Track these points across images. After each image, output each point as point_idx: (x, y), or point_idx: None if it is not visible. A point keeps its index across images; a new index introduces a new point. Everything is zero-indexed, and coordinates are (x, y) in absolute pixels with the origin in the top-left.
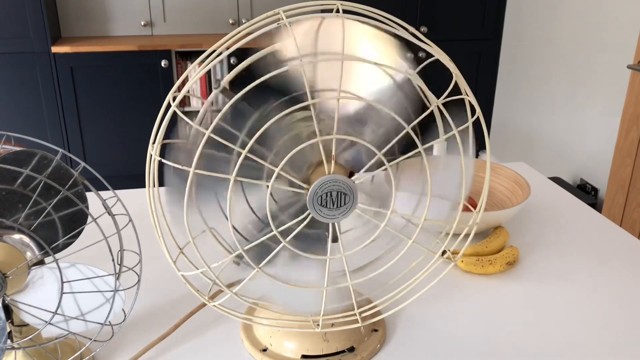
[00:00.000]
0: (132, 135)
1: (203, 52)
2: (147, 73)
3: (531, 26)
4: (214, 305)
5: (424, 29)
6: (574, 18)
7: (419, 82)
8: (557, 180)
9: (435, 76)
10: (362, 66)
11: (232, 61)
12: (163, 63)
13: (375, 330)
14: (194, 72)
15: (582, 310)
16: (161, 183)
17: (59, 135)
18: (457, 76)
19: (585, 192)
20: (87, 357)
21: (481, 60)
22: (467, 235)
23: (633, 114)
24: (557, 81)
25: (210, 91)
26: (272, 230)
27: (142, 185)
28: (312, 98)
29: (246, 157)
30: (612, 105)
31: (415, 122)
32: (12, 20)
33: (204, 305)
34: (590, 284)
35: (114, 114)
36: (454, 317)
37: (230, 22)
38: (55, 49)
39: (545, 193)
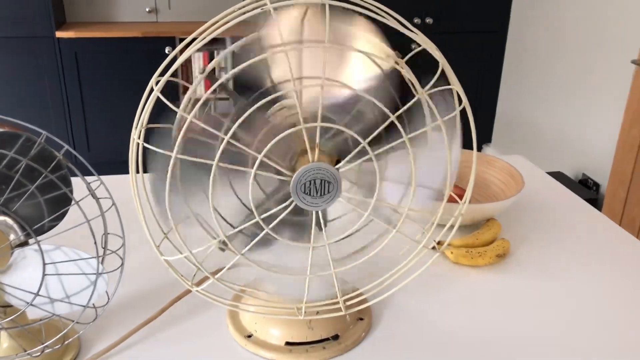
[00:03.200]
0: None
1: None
2: (151, 60)
3: (537, 20)
4: (198, 291)
5: (429, 20)
6: (579, 12)
7: (405, 71)
8: (558, 175)
9: (425, 66)
10: (349, 55)
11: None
12: (167, 50)
13: (361, 319)
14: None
15: (569, 305)
16: (146, 169)
17: (62, 121)
18: (444, 65)
19: (587, 187)
20: (71, 339)
21: (487, 52)
22: (453, 226)
23: (636, 110)
24: (561, 75)
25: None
26: (257, 218)
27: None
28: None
29: (232, 145)
30: (616, 101)
31: (400, 112)
32: (16, 3)
33: (189, 291)
34: (580, 280)
35: (117, 100)
36: (441, 308)
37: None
38: (59, 34)
39: (541, 187)
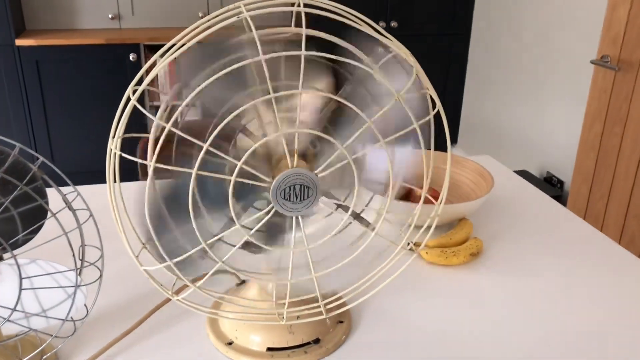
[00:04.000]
0: (100, 130)
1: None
2: (115, 67)
3: (499, 23)
4: (179, 300)
5: (394, 23)
6: (540, 15)
7: (379, 76)
8: (524, 173)
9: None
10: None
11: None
12: (131, 57)
13: (341, 322)
14: (159, 61)
15: (543, 301)
16: (122, 178)
17: (24, 130)
18: (418, 70)
19: (552, 184)
20: (49, 354)
21: (451, 55)
22: (429, 227)
23: (596, 108)
24: (523, 76)
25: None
26: (236, 224)
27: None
28: (275, 92)
29: (210, 153)
30: (577, 100)
31: (376, 117)
32: None
33: (168, 300)
34: (550, 275)
35: (81, 109)
36: (418, 308)
37: (200, 15)
38: (19, 42)
39: (509, 186)
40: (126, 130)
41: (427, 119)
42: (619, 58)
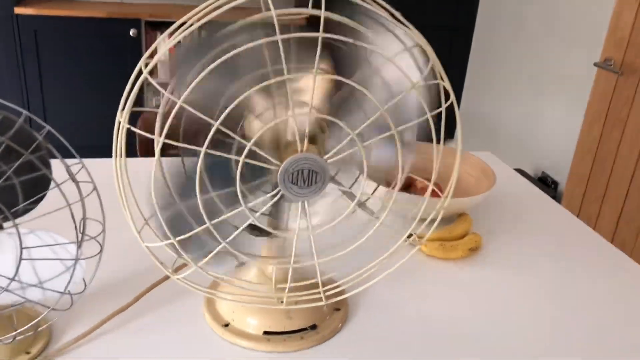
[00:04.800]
0: (96, 104)
1: (173, 22)
2: (114, 41)
3: (503, 18)
4: (178, 279)
5: (397, 14)
6: (544, 14)
7: (397, 65)
8: (519, 172)
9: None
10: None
11: (202, 34)
12: (132, 32)
13: (338, 310)
14: (164, 43)
15: (538, 296)
16: (128, 153)
17: (19, 102)
18: (434, 61)
19: (546, 184)
20: (43, 326)
21: (452, 49)
22: (433, 221)
23: (596, 111)
24: (525, 75)
25: None
26: (241, 206)
27: (103, 155)
28: (289, 74)
29: (219, 132)
30: (577, 102)
31: (390, 104)
32: None
33: (166, 278)
34: (548, 273)
35: (78, 82)
36: (415, 300)
37: None
38: (18, 10)
39: (509, 183)
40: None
41: (439, 110)
42: (622, 62)
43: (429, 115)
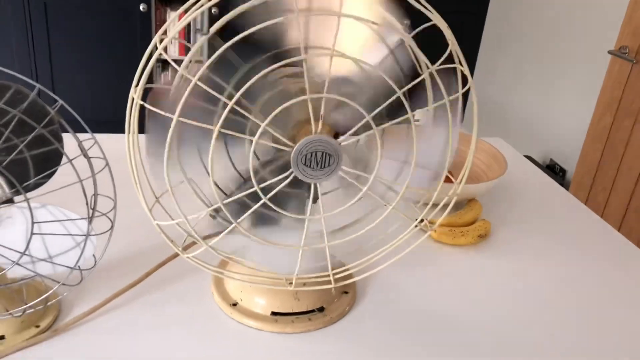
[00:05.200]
0: (105, 80)
1: None
2: (124, 16)
3: (516, 4)
4: (188, 257)
5: None
6: (558, 0)
7: (414, 47)
8: (527, 159)
9: (424, 45)
10: (356, 27)
11: (213, 11)
12: (142, 7)
13: (346, 293)
14: (176, 19)
15: (548, 285)
16: (141, 129)
17: (28, 76)
18: (453, 44)
19: (554, 172)
20: (53, 301)
21: (464, 34)
22: (444, 206)
23: (608, 100)
24: (536, 61)
25: (189, 41)
26: (252, 187)
27: (111, 130)
28: (305, 54)
29: (232, 111)
30: (589, 90)
31: (407, 87)
32: None
33: (175, 256)
34: (557, 262)
35: (87, 57)
36: (423, 285)
37: None
38: None
39: (519, 170)
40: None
41: (456, 95)
42: (637, 50)
43: (446, 100)
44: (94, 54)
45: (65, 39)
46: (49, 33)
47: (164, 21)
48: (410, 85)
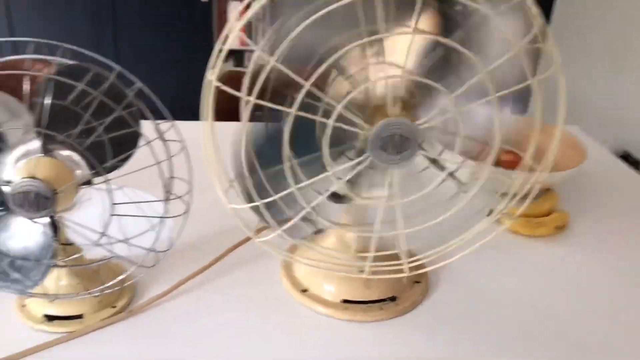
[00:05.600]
0: (163, 68)
1: None
2: (185, 6)
3: None
4: (259, 241)
5: None
6: None
7: (501, 24)
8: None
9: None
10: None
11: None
12: None
13: (418, 282)
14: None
15: (630, 280)
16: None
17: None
18: (539, 22)
19: (628, 163)
20: (129, 282)
21: None
22: (515, 196)
23: None
24: (608, 43)
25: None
26: (327, 172)
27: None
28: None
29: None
30: None
31: (493, 66)
32: None
33: (247, 239)
34: (638, 257)
35: (151, 44)
36: (497, 276)
37: None
38: None
39: (597, 160)
40: (202, 66)
41: (545, 75)
42: None
43: (531, 81)
44: (158, 42)
45: (130, 28)
46: (115, 22)
47: (225, 12)
48: (495, 65)
